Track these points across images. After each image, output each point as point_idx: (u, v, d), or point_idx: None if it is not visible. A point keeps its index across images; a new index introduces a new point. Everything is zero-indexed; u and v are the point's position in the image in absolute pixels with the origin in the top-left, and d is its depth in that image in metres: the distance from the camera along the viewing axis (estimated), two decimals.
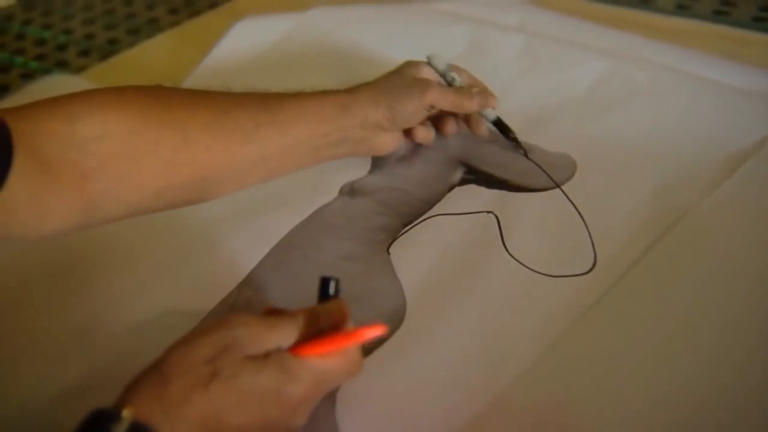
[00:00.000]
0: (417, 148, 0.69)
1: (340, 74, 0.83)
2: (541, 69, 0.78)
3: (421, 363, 0.52)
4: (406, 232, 0.62)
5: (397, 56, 0.82)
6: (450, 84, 0.67)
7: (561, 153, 0.68)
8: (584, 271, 0.57)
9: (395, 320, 0.55)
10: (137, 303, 0.59)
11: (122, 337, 0.56)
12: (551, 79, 0.76)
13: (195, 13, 1.03)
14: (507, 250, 0.59)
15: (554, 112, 0.73)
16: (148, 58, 0.93)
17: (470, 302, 0.56)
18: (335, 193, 0.66)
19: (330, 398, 0.50)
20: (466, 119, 0.69)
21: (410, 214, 0.63)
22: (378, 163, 0.69)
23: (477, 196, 0.65)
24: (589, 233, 0.60)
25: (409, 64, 0.68)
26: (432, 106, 0.64)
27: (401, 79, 0.66)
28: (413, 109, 0.64)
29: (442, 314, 0.55)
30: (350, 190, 0.66)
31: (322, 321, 0.45)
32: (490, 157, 0.68)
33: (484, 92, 0.67)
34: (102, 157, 0.50)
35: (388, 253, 0.60)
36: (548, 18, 0.87)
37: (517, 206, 0.63)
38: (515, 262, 0.58)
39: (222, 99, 0.58)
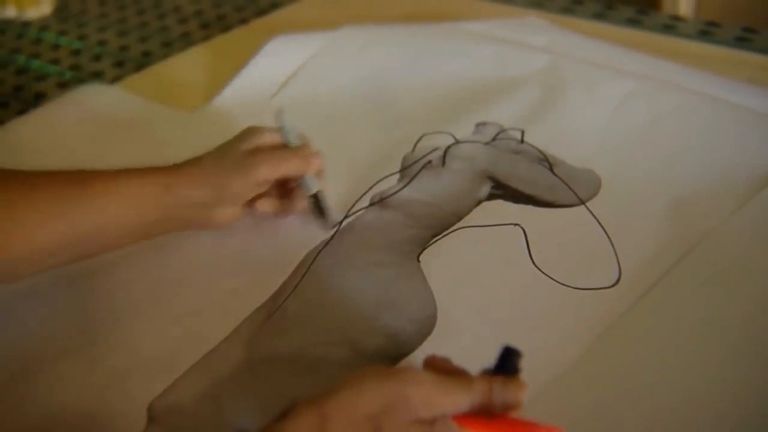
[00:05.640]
0: (446, 160, 0.71)
1: (369, 92, 0.85)
2: (567, 88, 0.80)
3: None
4: (435, 242, 0.64)
5: (425, 74, 0.85)
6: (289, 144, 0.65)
7: (586, 169, 0.69)
8: (609, 284, 0.58)
9: (426, 327, 0.56)
10: (167, 308, 0.61)
11: (152, 343, 0.58)
12: (577, 98, 0.78)
13: (226, 28, 1.06)
14: (533, 262, 0.61)
15: (580, 129, 0.74)
16: (181, 70, 0.95)
17: (496, 312, 0.57)
18: (365, 202, 0.68)
19: None
20: (286, 192, 0.66)
21: (439, 226, 0.65)
22: (408, 171, 0.70)
23: (504, 210, 0.66)
24: (614, 248, 0.61)
25: (248, 133, 0.64)
26: (266, 181, 0.63)
27: (231, 154, 0.62)
28: (242, 189, 0.61)
29: (470, 323, 0.57)
30: (380, 202, 0.67)
31: (496, 397, 0.42)
32: (516, 173, 0.69)
33: (316, 156, 0.64)
34: None
35: (419, 262, 0.62)
36: (575, 40, 0.89)
37: (543, 221, 0.65)
38: (540, 274, 0.60)
39: (28, 176, 0.57)
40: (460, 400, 0.41)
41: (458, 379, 0.42)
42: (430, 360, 0.45)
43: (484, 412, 0.42)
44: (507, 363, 0.43)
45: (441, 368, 0.44)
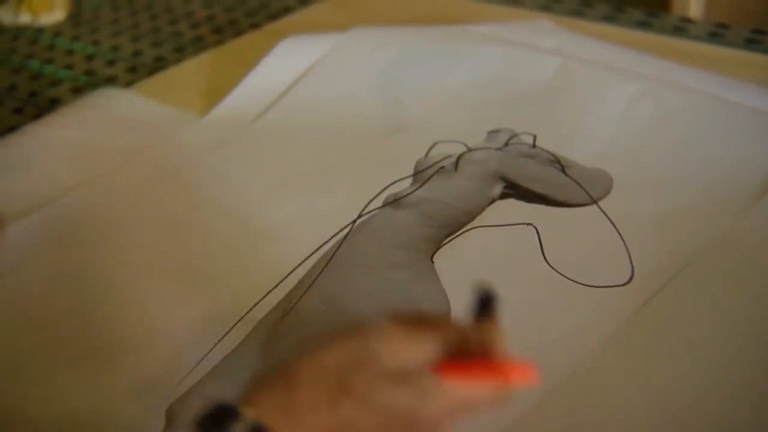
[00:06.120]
0: (458, 165, 0.71)
1: (379, 94, 0.85)
2: (577, 90, 0.80)
3: None
4: (449, 242, 0.64)
5: (435, 76, 0.85)
6: None
7: (598, 169, 0.70)
8: (622, 282, 0.59)
9: None
10: (181, 308, 0.61)
11: (163, 343, 0.59)
12: (586, 99, 0.79)
13: (238, 33, 1.07)
14: (546, 260, 0.61)
15: (590, 130, 0.75)
16: (194, 74, 0.96)
17: (510, 309, 0.58)
18: (379, 203, 0.69)
19: None
20: None
21: (452, 225, 0.65)
22: (421, 176, 0.71)
23: (516, 210, 0.67)
24: (626, 247, 0.62)
25: None
26: None
27: None
28: None
29: None
30: (395, 202, 0.68)
31: (472, 340, 0.40)
32: (529, 173, 0.70)
33: None
34: None
35: (432, 262, 0.62)
36: (584, 43, 0.89)
37: (555, 220, 0.65)
38: (553, 273, 0.60)
39: None
40: (430, 346, 0.40)
41: (426, 326, 0.41)
42: (396, 312, 0.43)
43: (463, 356, 0.40)
44: (485, 305, 0.42)
45: (408, 318, 0.42)
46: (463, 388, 0.39)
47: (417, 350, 0.40)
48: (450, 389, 0.39)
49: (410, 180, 0.71)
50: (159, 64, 1.01)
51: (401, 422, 0.39)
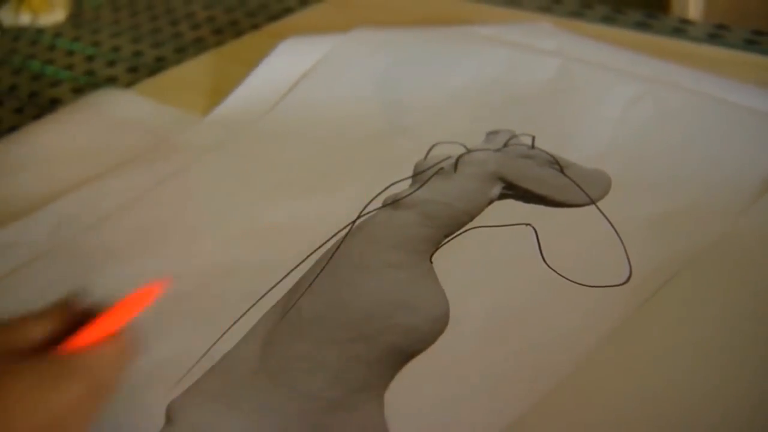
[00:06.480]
0: (458, 167, 0.72)
1: (379, 95, 0.86)
2: (577, 91, 0.80)
3: (463, 367, 0.54)
4: (447, 242, 0.64)
5: (436, 77, 0.86)
6: None
7: (596, 169, 0.70)
8: (620, 282, 0.59)
9: (439, 325, 0.57)
10: (182, 305, 0.61)
11: (162, 341, 0.59)
12: (586, 100, 0.79)
13: (239, 33, 1.07)
14: (544, 260, 0.61)
15: (589, 131, 0.75)
16: (195, 74, 0.96)
17: (507, 309, 0.58)
18: (378, 204, 0.69)
19: (378, 399, 0.53)
20: None
21: (451, 225, 0.66)
22: (420, 177, 0.71)
23: (515, 210, 0.67)
24: (624, 247, 0.62)
25: None
26: None
27: None
28: None
29: (481, 321, 0.57)
30: (394, 203, 0.68)
31: (64, 311, 0.38)
32: (528, 174, 0.70)
33: None
34: None
35: (431, 262, 0.62)
36: (584, 44, 0.89)
37: (554, 220, 0.66)
38: (551, 273, 0.61)
39: None
40: (30, 331, 0.38)
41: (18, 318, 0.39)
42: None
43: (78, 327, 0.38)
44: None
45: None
46: (84, 356, 0.37)
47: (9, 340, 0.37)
48: (71, 364, 0.36)
49: (410, 181, 0.72)
50: (159, 65, 1.01)
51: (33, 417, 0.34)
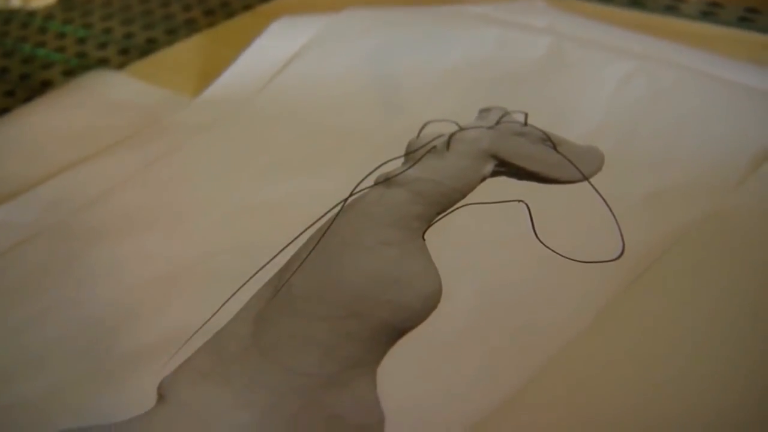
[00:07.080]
0: (450, 141, 0.71)
1: (371, 74, 0.85)
2: (569, 68, 0.80)
3: (455, 343, 0.54)
4: (440, 219, 0.64)
5: (428, 57, 0.85)
6: None
7: (589, 146, 0.70)
8: (613, 257, 0.59)
9: (431, 302, 0.57)
10: (174, 284, 0.61)
11: (156, 318, 0.59)
12: (578, 77, 0.79)
13: (230, 14, 1.06)
14: (537, 237, 0.61)
15: (582, 108, 0.75)
16: (186, 56, 0.96)
17: (500, 286, 0.58)
18: (370, 182, 0.69)
19: (371, 375, 0.53)
20: None
21: (444, 203, 0.65)
22: (412, 155, 0.71)
23: (508, 187, 0.67)
24: (617, 223, 0.62)
25: None
26: None
27: None
28: None
29: (474, 298, 0.57)
30: (386, 181, 0.68)
31: None
32: (520, 151, 0.70)
33: None
34: None
35: (423, 240, 0.62)
36: (576, 22, 0.89)
37: (547, 197, 0.65)
38: (544, 249, 0.60)
39: None
40: None
41: None
42: None
43: None
44: None
45: None
46: None
47: None
48: None
49: (402, 159, 0.71)
50: (151, 47, 1.00)
51: None
